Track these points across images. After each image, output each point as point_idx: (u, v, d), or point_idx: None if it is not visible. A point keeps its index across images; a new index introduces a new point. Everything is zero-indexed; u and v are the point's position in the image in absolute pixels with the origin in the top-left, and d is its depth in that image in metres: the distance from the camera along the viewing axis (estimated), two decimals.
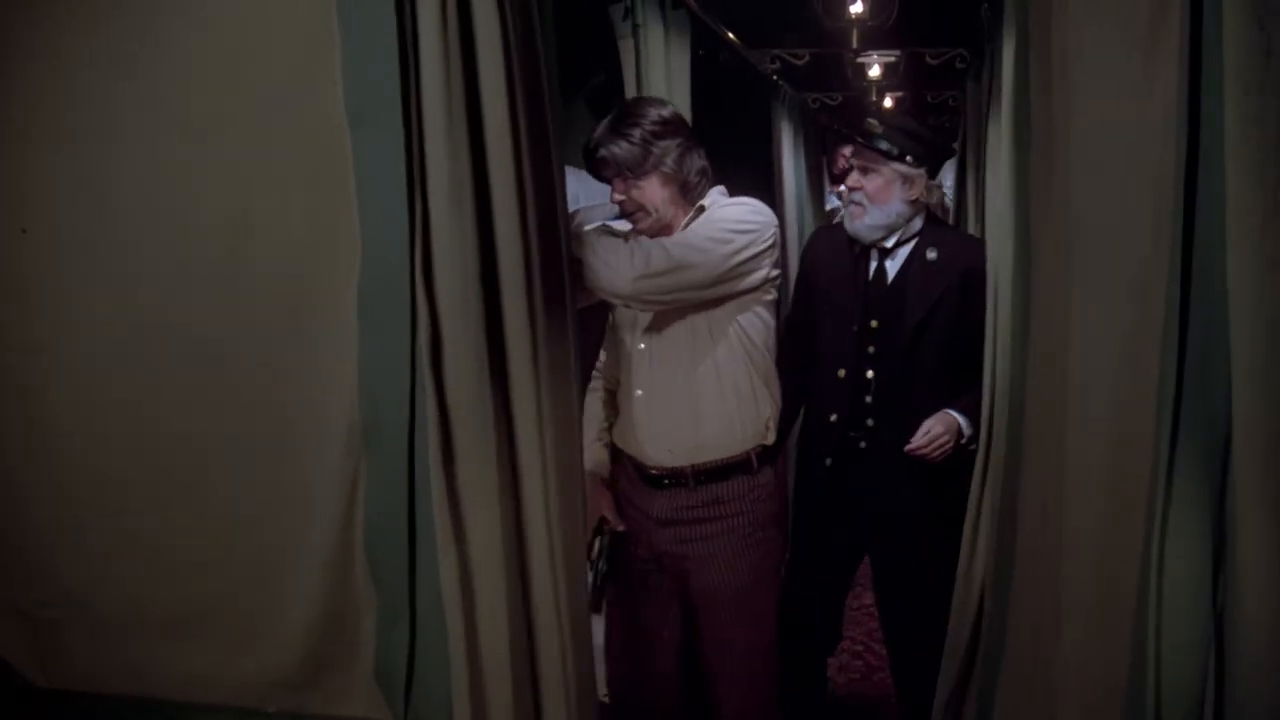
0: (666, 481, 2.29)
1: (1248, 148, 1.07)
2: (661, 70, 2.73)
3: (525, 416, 1.50)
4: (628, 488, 2.39)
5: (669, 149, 2.19)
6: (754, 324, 2.25)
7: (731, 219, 2.16)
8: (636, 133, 2.17)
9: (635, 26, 2.68)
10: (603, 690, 2.42)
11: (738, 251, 2.13)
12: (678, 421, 2.25)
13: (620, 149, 2.17)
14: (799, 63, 4.46)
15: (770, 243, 2.19)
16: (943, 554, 2.56)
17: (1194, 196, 1.19)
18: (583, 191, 3.04)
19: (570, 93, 3.54)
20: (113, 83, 1.49)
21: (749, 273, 2.17)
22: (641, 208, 2.23)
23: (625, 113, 2.23)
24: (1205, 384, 1.20)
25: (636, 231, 2.27)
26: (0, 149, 1.55)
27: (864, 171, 2.59)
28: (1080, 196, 1.53)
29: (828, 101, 5.57)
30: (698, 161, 2.24)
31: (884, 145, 2.55)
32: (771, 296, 2.29)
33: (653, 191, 2.21)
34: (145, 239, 1.52)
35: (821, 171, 5.93)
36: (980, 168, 3.33)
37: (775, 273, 2.25)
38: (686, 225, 2.21)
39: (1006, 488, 2.08)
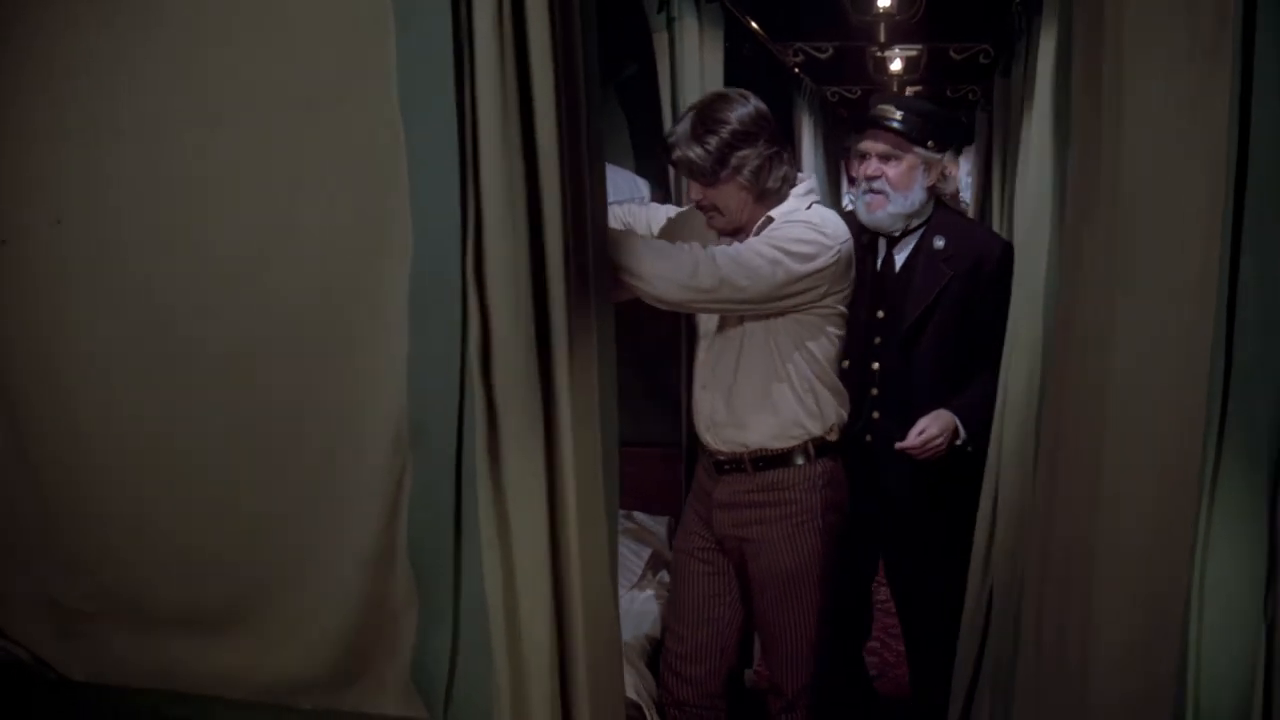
0: (727, 466, 2.31)
1: None
2: (695, 63, 2.71)
3: (566, 417, 1.48)
4: (699, 471, 2.44)
5: (748, 158, 2.14)
6: (819, 338, 2.22)
7: (789, 238, 2.11)
8: (714, 140, 2.12)
9: (670, 20, 2.67)
10: (632, 689, 2.42)
11: (789, 272, 2.08)
12: (736, 419, 2.26)
13: (696, 155, 2.13)
14: (822, 56, 4.43)
15: (830, 262, 2.13)
16: (953, 553, 2.52)
17: (1243, 199, 1.18)
18: (609, 185, 3.02)
19: (602, 83, 3.52)
20: (151, 78, 1.46)
21: (803, 290, 2.13)
22: (715, 208, 2.21)
23: (706, 115, 2.16)
24: (1255, 389, 1.18)
25: (710, 228, 2.25)
26: (31, 146, 1.53)
27: (885, 159, 2.51)
28: (1129, 197, 1.51)
29: (847, 95, 5.55)
30: (778, 169, 2.19)
31: (903, 128, 2.47)
32: (839, 311, 2.24)
33: (728, 197, 2.19)
34: (183, 238, 1.50)
35: (840, 164, 5.92)
36: (1006, 164, 3.30)
37: (841, 288, 2.20)
38: (757, 232, 2.18)
39: (1027, 489, 2.06)
